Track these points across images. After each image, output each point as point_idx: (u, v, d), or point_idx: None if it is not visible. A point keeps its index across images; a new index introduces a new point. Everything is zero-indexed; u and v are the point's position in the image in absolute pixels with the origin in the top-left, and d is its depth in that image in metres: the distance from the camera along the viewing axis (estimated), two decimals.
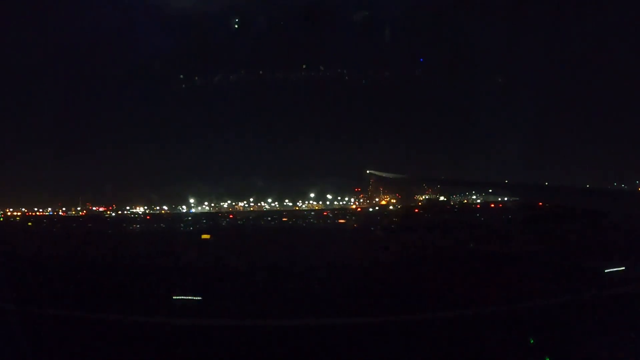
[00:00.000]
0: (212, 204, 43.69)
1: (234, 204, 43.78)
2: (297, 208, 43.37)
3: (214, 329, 7.32)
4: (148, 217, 40.21)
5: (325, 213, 39.06)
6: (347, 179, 44.48)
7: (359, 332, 6.96)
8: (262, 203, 43.27)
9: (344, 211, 41.50)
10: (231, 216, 39.24)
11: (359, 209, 42.70)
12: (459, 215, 37.20)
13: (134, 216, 43.34)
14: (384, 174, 38.17)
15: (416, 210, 40.91)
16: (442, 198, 45.43)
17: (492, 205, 40.54)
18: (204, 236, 21.30)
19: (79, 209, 46.14)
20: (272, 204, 43.61)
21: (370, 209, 42.73)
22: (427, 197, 44.45)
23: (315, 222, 33.45)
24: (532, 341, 6.15)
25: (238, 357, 6.30)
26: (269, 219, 36.37)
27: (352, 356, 6.15)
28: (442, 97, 47.44)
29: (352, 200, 44.14)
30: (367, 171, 40.03)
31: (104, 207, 46.01)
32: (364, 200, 44.16)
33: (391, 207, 43.25)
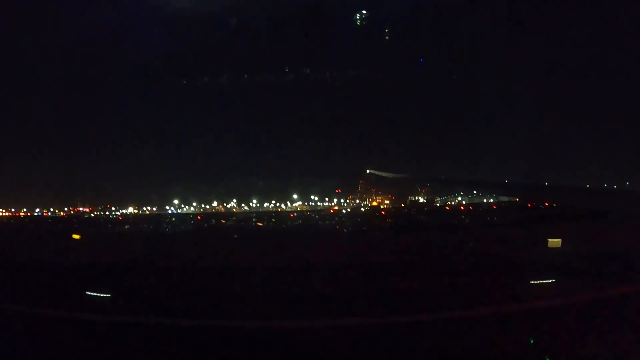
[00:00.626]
0: (200, 205, 43.70)
1: (220, 204, 43.68)
2: (280, 209, 42.14)
3: None
4: (120, 218, 39.07)
5: (291, 215, 37.48)
6: (334, 180, 43.24)
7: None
8: (244, 204, 42.85)
9: (321, 212, 39.78)
10: (199, 217, 38.04)
11: (331, 210, 41.12)
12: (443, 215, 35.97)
13: (111, 217, 42.74)
14: (384, 174, 37.02)
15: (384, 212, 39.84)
16: (420, 199, 44.04)
17: (472, 207, 39.40)
18: (75, 236, 19.50)
19: (66, 209, 45.55)
20: (255, 205, 42.98)
21: (344, 211, 41.25)
22: (418, 197, 43.38)
23: (275, 222, 32.86)
24: (532, 341, 6.10)
25: None
26: (230, 219, 35.80)
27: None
28: (441, 97, 46.98)
29: (341, 201, 43.22)
30: (368, 170, 39.14)
31: (86, 208, 45.05)
32: (352, 201, 43.27)
33: (371, 208, 42.04)
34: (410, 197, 43.67)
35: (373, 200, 42.79)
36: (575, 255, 12.31)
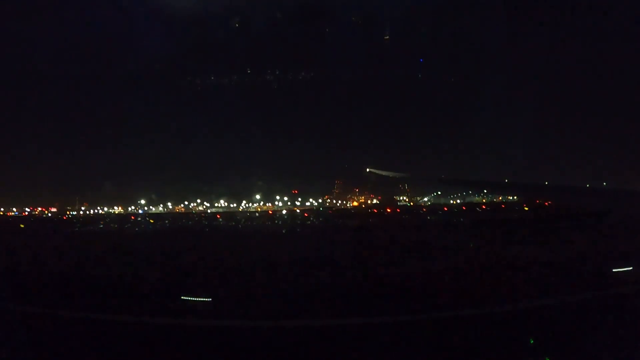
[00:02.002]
0: (170, 205, 44.62)
1: (189, 204, 42.65)
2: (240, 209, 40.93)
3: None
4: (64, 218, 37.01)
5: (217, 216, 35.62)
6: (304, 180, 45.17)
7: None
8: (206, 204, 41.68)
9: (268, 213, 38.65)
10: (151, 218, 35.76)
11: (273, 211, 39.53)
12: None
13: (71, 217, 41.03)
14: (384, 173, 37.84)
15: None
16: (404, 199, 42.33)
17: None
18: None
19: (40, 209, 45.18)
20: (218, 205, 42.33)
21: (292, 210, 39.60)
22: (403, 197, 41.93)
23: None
24: (532, 341, 5.99)
25: None
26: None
27: None
28: (439, 97, 48.25)
29: (319, 200, 42.66)
30: (368, 169, 39.16)
31: (44, 208, 43.38)
32: (330, 201, 42.15)
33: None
34: (396, 197, 42.10)
35: (354, 200, 40.84)
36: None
